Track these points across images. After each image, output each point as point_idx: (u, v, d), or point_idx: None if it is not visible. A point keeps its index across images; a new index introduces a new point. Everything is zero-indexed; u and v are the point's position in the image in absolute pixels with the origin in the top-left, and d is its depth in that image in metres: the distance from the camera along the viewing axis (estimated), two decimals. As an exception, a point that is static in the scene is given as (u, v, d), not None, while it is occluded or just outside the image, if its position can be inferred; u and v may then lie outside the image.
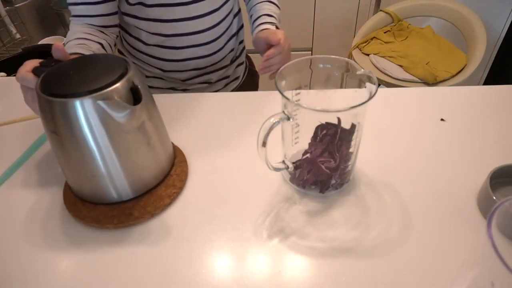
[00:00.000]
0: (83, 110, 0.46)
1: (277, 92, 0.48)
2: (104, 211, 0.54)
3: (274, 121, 0.47)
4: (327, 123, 0.52)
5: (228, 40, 0.91)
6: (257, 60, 0.89)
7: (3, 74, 1.04)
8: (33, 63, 0.54)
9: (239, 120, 0.72)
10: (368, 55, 1.61)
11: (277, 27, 0.82)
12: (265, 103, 0.77)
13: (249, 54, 1.10)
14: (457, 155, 0.62)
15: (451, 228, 0.51)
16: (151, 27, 0.81)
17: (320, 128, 0.53)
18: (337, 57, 0.53)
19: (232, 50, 0.94)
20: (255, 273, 0.47)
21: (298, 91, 0.53)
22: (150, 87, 0.92)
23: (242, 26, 0.96)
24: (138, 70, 0.91)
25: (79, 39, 0.71)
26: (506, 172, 0.54)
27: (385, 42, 1.64)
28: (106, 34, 0.77)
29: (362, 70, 0.50)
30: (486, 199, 0.51)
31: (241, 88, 1.03)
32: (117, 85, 0.48)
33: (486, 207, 0.52)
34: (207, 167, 0.62)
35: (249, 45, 0.94)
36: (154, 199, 0.56)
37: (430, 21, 1.70)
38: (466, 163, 0.61)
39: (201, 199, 0.57)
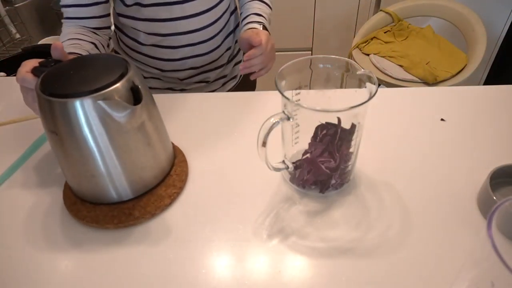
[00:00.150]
0: (83, 110, 0.46)
1: (277, 92, 0.48)
2: (104, 211, 0.54)
3: (274, 121, 0.47)
4: (327, 123, 0.52)
5: (225, 38, 0.91)
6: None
7: (3, 74, 1.05)
8: (32, 63, 0.54)
9: (239, 120, 0.72)
10: (368, 55, 1.61)
11: (265, 27, 0.82)
12: (265, 103, 0.77)
13: (246, 53, 1.10)
14: (457, 155, 0.62)
15: (451, 228, 0.51)
16: (148, 27, 0.81)
17: (320, 128, 0.53)
18: (337, 57, 0.53)
19: (229, 48, 0.94)
20: (255, 273, 0.47)
21: (298, 91, 0.53)
22: None
23: (239, 25, 0.96)
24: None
25: (72, 39, 0.71)
26: (506, 172, 0.54)
27: (385, 42, 1.64)
28: (98, 35, 0.77)
29: (362, 70, 0.50)
30: (486, 199, 0.51)
31: (238, 87, 1.03)
32: (118, 85, 0.48)
33: (486, 207, 0.52)
34: (207, 167, 0.62)
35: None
36: (154, 199, 0.56)
37: (430, 21, 1.70)
38: (466, 163, 0.61)
39: (201, 199, 0.57)
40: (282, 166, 0.54)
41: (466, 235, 0.50)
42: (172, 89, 0.95)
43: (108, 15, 0.79)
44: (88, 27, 0.76)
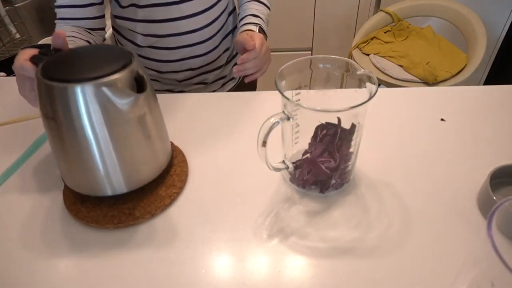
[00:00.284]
0: (84, 96, 0.46)
1: (277, 92, 0.48)
2: (104, 211, 0.54)
3: (274, 121, 0.47)
4: (327, 123, 0.52)
5: (223, 39, 0.90)
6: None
7: (3, 74, 1.04)
8: (31, 51, 0.53)
9: (239, 120, 0.72)
10: (368, 55, 1.61)
11: (261, 28, 0.82)
12: (265, 103, 0.77)
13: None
14: (457, 155, 0.62)
15: (451, 228, 0.51)
16: (144, 28, 0.81)
17: (320, 128, 0.53)
18: (337, 57, 0.53)
19: (228, 49, 0.94)
20: (255, 273, 0.47)
21: (298, 91, 0.53)
22: None
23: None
24: None
25: (67, 36, 0.71)
26: (506, 172, 0.54)
27: (385, 42, 1.64)
28: (93, 35, 0.77)
29: (362, 70, 0.50)
30: (486, 199, 0.51)
31: (238, 88, 1.03)
32: (122, 73, 0.47)
33: (486, 207, 0.52)
34: (207, 167, 0.62)
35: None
36: (154, 199, 0.56)
37: (430, 21, 1.70)
38: (466, 163, 0.61)
39: (201, 199, 0.57)
40: (282, 166, 0.54)
41: (466, 235, 0.50)
42: (170, 91, 0.95)
43: (102, 16, 0.79)
44: (82, 28, 0.76)
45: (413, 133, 0.67)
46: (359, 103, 0.45)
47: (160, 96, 0.75)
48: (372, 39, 1.67)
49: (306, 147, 0.55)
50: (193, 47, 0.85)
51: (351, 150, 0.53)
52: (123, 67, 0.48)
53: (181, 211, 0.55)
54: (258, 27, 0.81)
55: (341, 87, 0.55)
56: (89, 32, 0.76)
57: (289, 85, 0.52)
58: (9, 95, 0.85)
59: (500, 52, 1.85)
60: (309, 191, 0.57)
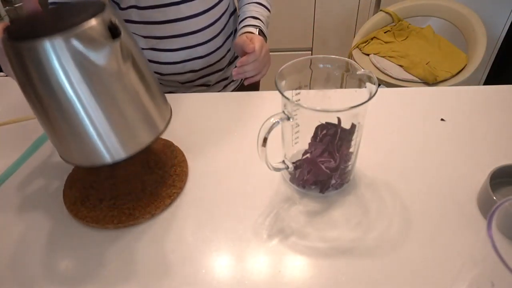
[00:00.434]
0: (55, 52, 0.41)
1: (277, 92, 0.48)
2: (104, 211, 0.54)
3: (274, 121, 0.47)
4: (327, 123, 0.52)
5: (225, 41, 0.90)
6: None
7: (3, 74, 1.04)
8: (3, 24, 0.50)
9: (239, 120, 0.72)
10: (368, 55, 1.61)
11: (261, 31, 0.81)
12: (265, 103, 0.77)
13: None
14: (457, 155, 0.62)
15: (451, 228, 0.51)
16: (145, 30, 0.81)
17: (320, 128, 0.53)
18: (337, 57, 0.53)
19: (230, 50, 0.94)
20: (255, 273, 0.47)
21: (298, 91, 0.53)
22: None
23: None
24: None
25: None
26: (506, 172, 0.54)
27: (385, 42, 1.64)
28: None
29: (362, 70, 0.50)
30: (486, 199, 0.51)
31: (239, 90, 1.03)
32: (92, 22, 0.42)
33: (486, 207, 0.52)
34: (207, 167, 0.62)
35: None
36: (154, 199, 0.56)
37: (430, 21, 1.70)
38: (466, 163, 0.61)
39: (201, 199, 0.57)
40: (282, 166, 0.54)
41: (466, 235, 0.50)
42: (173, 93, 0.95)
43: None
44: None
45: (413, 133, 0.67)
46: (359, 103, 0.45)
47: (160, 96, 0.75)
48: (372, 39, 1.67)
49: (306, 147, 0.55)
50: (194, 48, 0.84)
51: (351, 150, 0.53)
52: (93, 15, 0.43)
53: (181, 211, 0.55)
54: (258, 29, 0.81)
55: (341, 87, 0.55)
56: None
57: (289, 85, 0.52)
58: (9, 95, 0.84)
59: (500, 52, 1.85)
60: (309, 191, 0.57)
